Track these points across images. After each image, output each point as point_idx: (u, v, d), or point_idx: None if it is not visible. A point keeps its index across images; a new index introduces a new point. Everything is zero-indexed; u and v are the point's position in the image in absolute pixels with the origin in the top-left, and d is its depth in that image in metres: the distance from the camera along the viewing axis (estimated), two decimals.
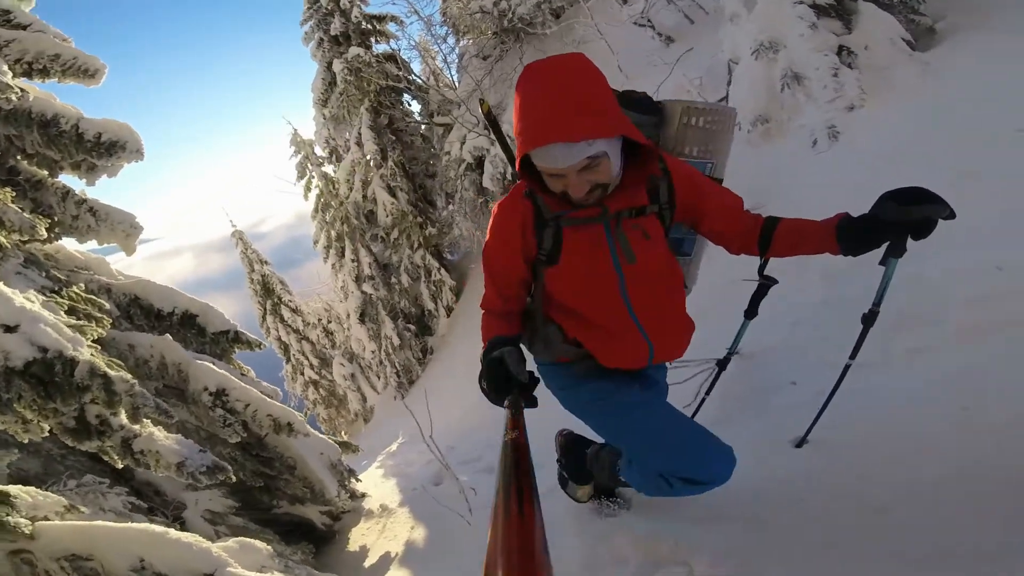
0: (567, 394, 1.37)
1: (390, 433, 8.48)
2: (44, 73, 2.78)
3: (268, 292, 12.82)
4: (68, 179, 3.21)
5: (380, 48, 9.89)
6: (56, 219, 3.03)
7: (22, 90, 2.50)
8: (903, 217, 1.06)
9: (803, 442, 1.71)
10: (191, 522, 3.40)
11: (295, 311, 13.60)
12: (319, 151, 10.98)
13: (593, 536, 1.63)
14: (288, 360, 13.66)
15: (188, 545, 1.90)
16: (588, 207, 1.12)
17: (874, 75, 3.35)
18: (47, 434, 1.82)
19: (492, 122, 1.49)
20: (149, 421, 2.07)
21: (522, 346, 1.25)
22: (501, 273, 1.26)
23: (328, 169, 10.98)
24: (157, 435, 2.13)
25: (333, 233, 10.81)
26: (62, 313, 2.48)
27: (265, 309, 12.88)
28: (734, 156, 3.74)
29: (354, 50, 9.20)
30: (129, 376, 1.82)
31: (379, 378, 12.00)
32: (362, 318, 10.85)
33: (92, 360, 1.77)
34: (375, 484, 5.25)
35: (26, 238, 2.37)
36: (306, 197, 11.01)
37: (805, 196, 2.99)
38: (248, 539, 2.34)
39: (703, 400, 1.97)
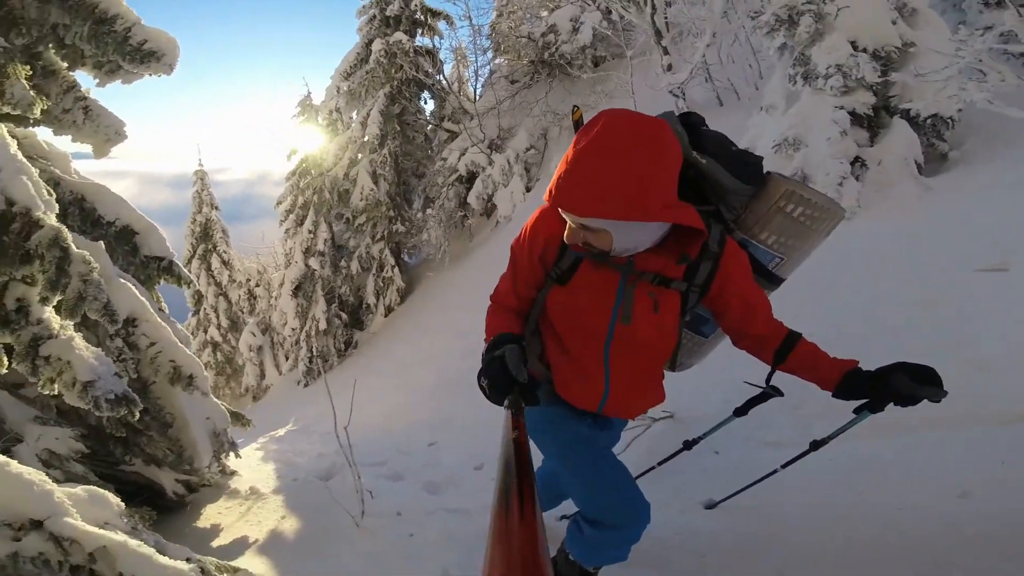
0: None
1: (280, 417, 8.13)
2: None
3: (206, 236, 12.28)
4: (80, 75, 3.16)
5: (422, 41, 10.28)
6: (47, 108, 2.95)
7: None
8: (914, 393, 1.11)
9: (714, 505, 1.92)
10: (22, 459, 2.76)
11: (225, 263, 13.02)
12: (320, 119, 10.98)
13: None
14: (196, 313, 12.88)
15: (29, 484, 1.71)
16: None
17: (876, 190, 3.49)
18: None
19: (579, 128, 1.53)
20: (73, 325, 1.99)
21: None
22: (524, 271, 1.28)
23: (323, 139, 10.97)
24: (79, 343, 1.94)
25: (301, 199, 10.66)
26: None
27: (195, 252, 12.27)
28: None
29: (398, 35, 9.52)
30: (92, 259, 1.76)
31: (288, 359, 11.54)
32: (296, 291, 10.55)
33: (59, 229, 1.69)
34: (250, 466, 5.01)
35: (18, 112, 2.30)
36: (289, 158, 10.88)
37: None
38: (100, 491, 2.07)
39: (653, 467, 2.06)
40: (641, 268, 1.16)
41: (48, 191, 1.88)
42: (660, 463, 2.01)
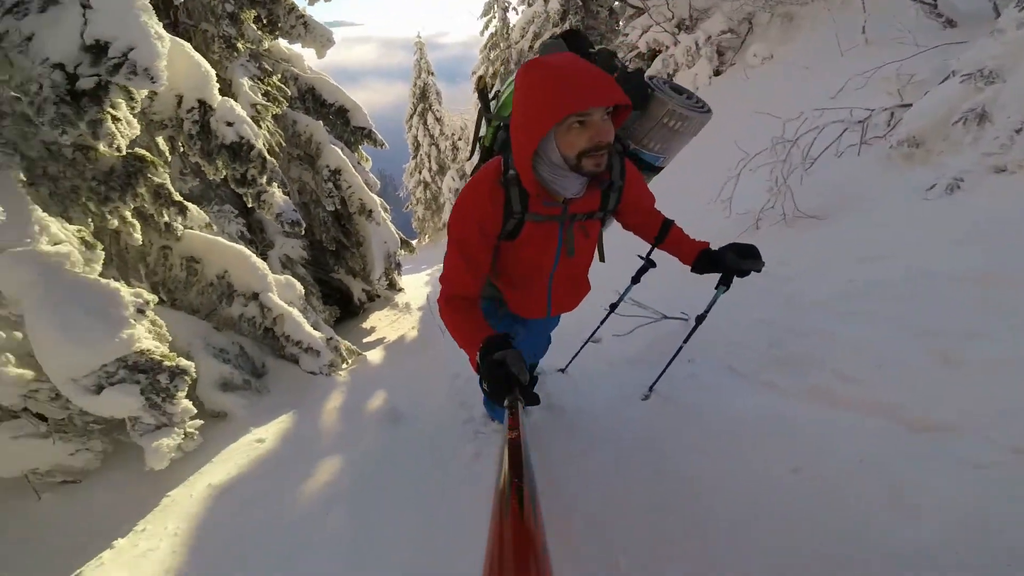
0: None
1: None
2: None
3: (423, 97, 13.72)
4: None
5: None
6: (279, 25, 3.99)
7: None
8: (737, 266, 1.39)
9: (648, 395, 2.09)
10: (270, 259, 4.20)
11: (438, 120, 14.54)
12: None
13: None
14: (415, 157, 15.10)
15: (256, 268, 2.89)
16: (552, 206, 1.18)
17: None
18: (222, 177, 2.93)
19: (483, 98, 1.51)
20: (275, 185, 3.12)
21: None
22: (478, 247, 1.23)
23: (511, 15, 10.73)
24: (277, 194, 3.30)
25: (491, 70, 11.03)
26: (260, 95, 3.48)
27: (415, 110, 13.94)
28: (868, 164, 3.31)
29: None
30: (275, 161, 2.81)
31: None
32: None
33: (261, 148, 2.84)
34: (415, 287, 6.35)
35: (254, 45, 3.28)
36: (482, 33, 11.05)
37: (870, 229, 2.83)
38: (292, 280, 3.35)
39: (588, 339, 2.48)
40: (574, 212, 1.24)
41: (263, 106, 2.86)
42: (591, 336, 2.44)
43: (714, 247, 1.46)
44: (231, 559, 1.85)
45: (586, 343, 2.55)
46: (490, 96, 1.56)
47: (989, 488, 1.32)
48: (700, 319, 1.82)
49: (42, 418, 2.15)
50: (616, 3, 9.55)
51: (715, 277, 1.55)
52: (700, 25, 7.84)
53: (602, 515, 1.56)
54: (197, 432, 2.23)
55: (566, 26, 9.20)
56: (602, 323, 2.38)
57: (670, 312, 2.80)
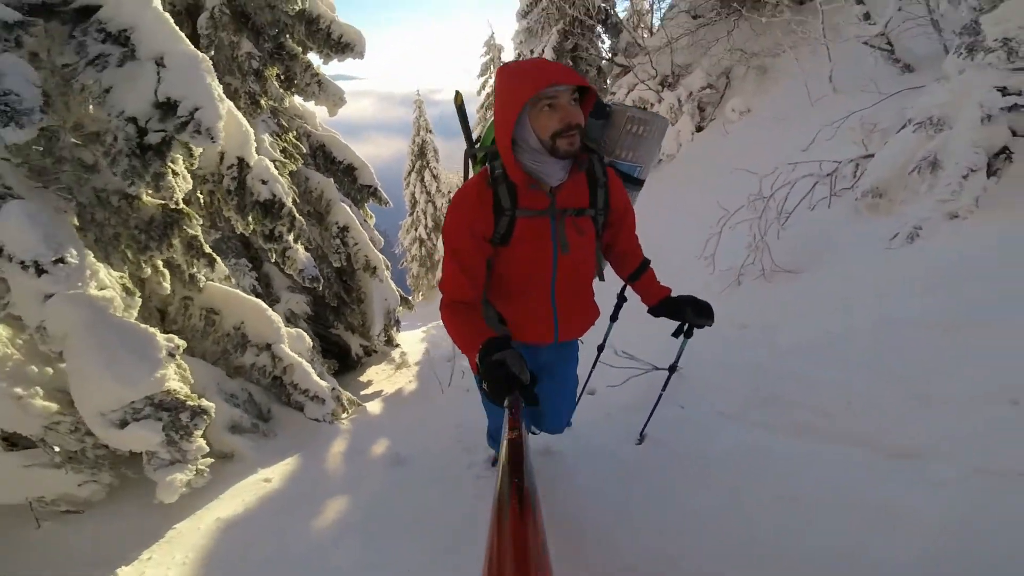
0: None
1: None
2: None
3: (422, 155, 14.55)
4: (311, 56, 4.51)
5: None
6: (295, 83, 4.39)
7: None
8: (694, 321, 1.51)
9: (641, 440, 2.29)
10: (278, 311, 4.07)
11: (435, 177, 15.29)
12: (504, 57, 11.68)
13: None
14: (411, 214, 15.71)
15: (271, 321, 3.09)
16: (541, 200, 1.26)
17: (1013, 189, 2.85)
18: (250, 230, 3.21)
19: (461, 113, 1.63)
20: (300, 242, 3.41)
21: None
22: (472, 252, 1.27)
23: None
24: (300, 251, 3.56)
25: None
26: (278, 152, 3.85)
27: (413, 167, 14.72)
28: (839, 215, 3.57)
29: None
30: (303, 220, 3.10)
31: None
32: None
33: (291, 206, 3.14)
34: (410, 343, 6.43)
35: (275, 103, 3.68)
36: (478, 93, 12.01)
37: (841, 281, 3.10)
38: (303, 332, 3.56)
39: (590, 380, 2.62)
40: (563, 206, 1.29)
41: (281, 163, 3.19)
42: (585, 387, 2.59)
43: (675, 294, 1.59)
44: None
45: (582, 393, 2.75)
46: (474, 137, 1.69)
47: (956, 504, 1.49)
48: (672, 368, 2.04)
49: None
50: (604, 62, 10.47)
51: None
52: (682, 81, 8.52)
53: (608, 538, 1.72)
54: (207, 469, 2.33)
55: None
56: (594, 366, 2.58)
57: (660, 363, 3.03)
